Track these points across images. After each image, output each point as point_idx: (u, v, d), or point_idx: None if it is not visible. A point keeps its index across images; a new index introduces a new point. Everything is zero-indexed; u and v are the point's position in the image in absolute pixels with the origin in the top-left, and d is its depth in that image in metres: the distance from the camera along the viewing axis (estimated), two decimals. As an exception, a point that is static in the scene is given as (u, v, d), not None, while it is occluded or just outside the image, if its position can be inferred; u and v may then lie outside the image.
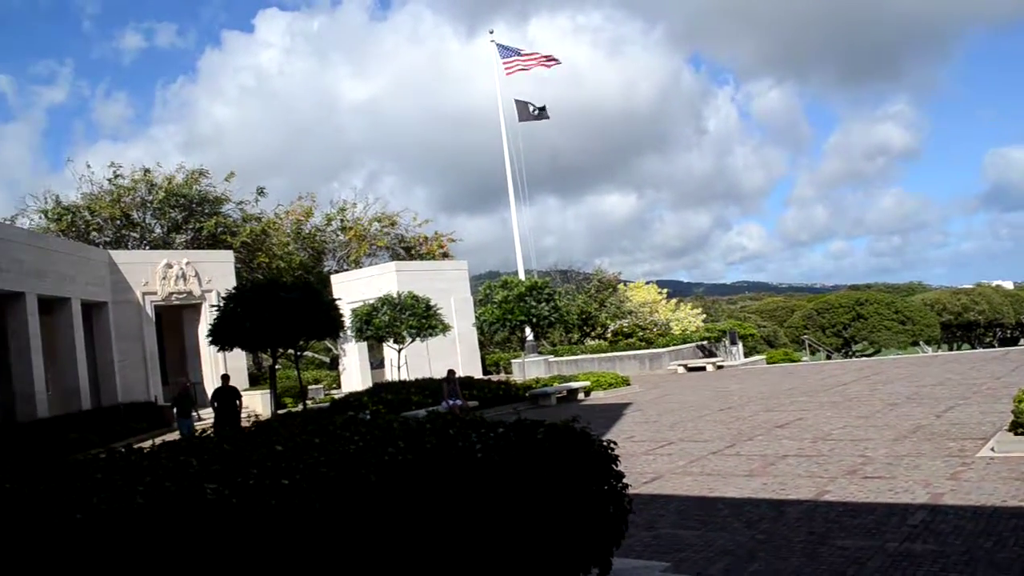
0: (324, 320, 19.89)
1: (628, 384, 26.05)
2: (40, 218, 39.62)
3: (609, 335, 41.92)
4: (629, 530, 5.17)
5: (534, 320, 28.35)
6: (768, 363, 33.77)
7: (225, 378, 20.74)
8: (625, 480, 4.64)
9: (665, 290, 45.79)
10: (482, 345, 40.05)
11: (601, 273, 48.41)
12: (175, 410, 20.90)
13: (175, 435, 20.39)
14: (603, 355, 34.39)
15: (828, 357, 47.01)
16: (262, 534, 2.55)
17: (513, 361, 35.62)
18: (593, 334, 43.07)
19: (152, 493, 2.60)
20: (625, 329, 41.21)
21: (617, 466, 4.52)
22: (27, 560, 2.31)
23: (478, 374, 34.27)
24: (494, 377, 32.80)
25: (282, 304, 19.59)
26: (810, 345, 50.15)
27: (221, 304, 21.16)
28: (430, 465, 3.25)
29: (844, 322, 52.36)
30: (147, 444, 3.89)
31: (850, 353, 50.65)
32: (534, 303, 27.96)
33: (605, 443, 4.52)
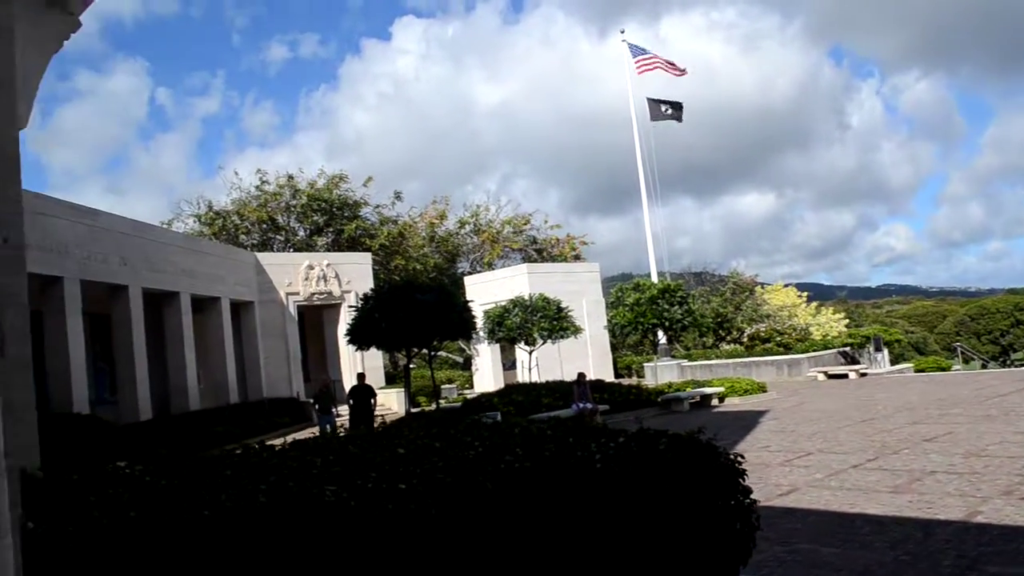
0: (457, 321, 20.19)
1: (764, 391, 25.24)
2: (194, 222, 42.07)
3: (745, 339, 40.75)
4: (761, 545, 4.95)
5: (666, 324, 27.90)
6: (916, 371, 31.97)
7: (361, 377, 21.38)
8: (754, 495, 4.44)
9: (805, 293, 44.12)
10: (614, 348, 39.74)
11: (737, 275, 47.10)
12: (316, 406, 21.72)
13: (315, 430, 21.20)
14: (738, 360, 33.45)
15: (983, 366, 44.10)
16: (378, 537, 2.56)
17: (645, 365, 35.18)
18: (728, 338, 41.97)
19: (275, 493, 2.67)
20: (762, 334, 39.99)
21: (745, 480, 4.32)
22: (160, 550, 2.41)
23: (609, 377, 34.02)
24: (625, 381, 32.47)
25: (417, 305, 20.00)
26: (963, 353, 47.21)
27: (359, 305, 21.81)
28: (547, 474, 3.19)
29: (1002, 328, 49.00)
30: (278, 441, 4.02)
31: (1008, 362, 47.35)
32: (667, 306, 27.51)
33: (733, 456, 4.33)
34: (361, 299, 22.11)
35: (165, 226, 39.43)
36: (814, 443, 14.66)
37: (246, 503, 2.58)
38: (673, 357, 35.16)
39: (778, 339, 38.08)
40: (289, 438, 5.18)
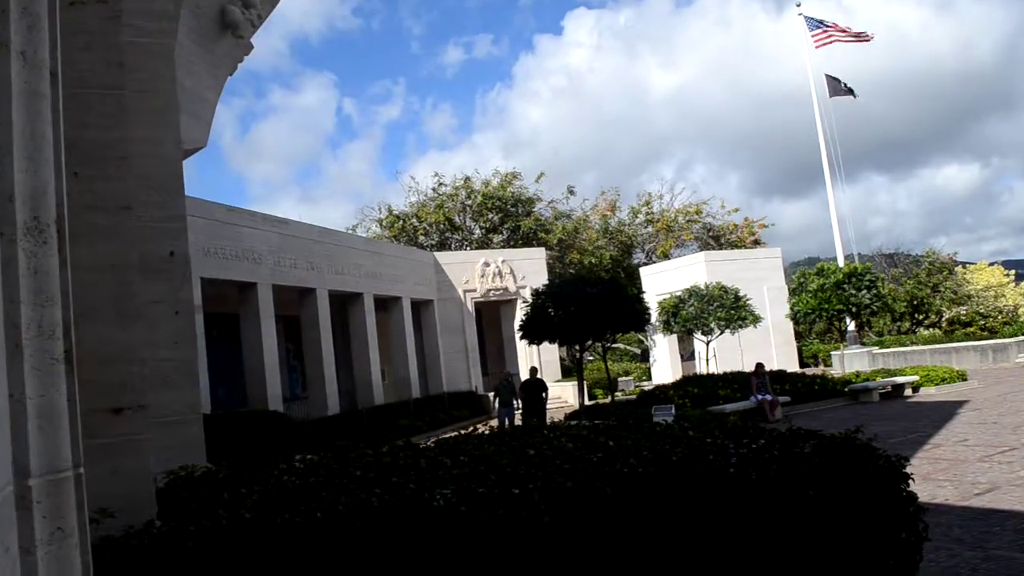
0: (629, 314, 19.92)
1: (964, 379, 23.31)
2: (376, 226, 43.92)
3: (944, 324, 37.87)
4: (953, 548, 4.49)
5: (853, 309, 26.36)
6: None
7: (533, 371, 21.52)
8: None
9: (1012, 271, 40.46)
10: (798, 336, 38.02)
11: (933, 255, 43.79)
12: (496, 399, 22.09)
13: (494, 423, 21.57)
14: (936, 346, 31.07)
15: None
16: (487, 544, 2.49)
17: (832, 353, 33.41)
18: (926, 323, 39.15)
19: (389, 496, 2.65)
20: (963, 317, 37.00)
21: (909, 486, 3.89)
22: (272, 549, 2.45)
23: (793, 367, 32.53)
24: (810, 370, 30.99)
25: (588, 299, 19.91)
26: None
27: (530, 300, 21.98)
28: (673, 480, 2.99)
29: None
30: (422, 441, 4.05)
31: None
32: (853, 291, 26.01)
33: (895, 458, 3.93)
34: (533, 294, 22.27)
35: (350, 231, 41.43)
36: (1019, 437, 13.35)
37: (360, 506, 2.58)
38: (863, 344, 33.18)
39: (981, 322, 35.12)
40: (463, 431, 5.25)
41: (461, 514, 2.55)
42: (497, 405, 21.47)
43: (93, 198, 2.74)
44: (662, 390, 21.65)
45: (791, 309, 28.99)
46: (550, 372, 33.95)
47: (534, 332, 21.12)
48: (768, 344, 33.88)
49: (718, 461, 3.21)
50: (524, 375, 30.58)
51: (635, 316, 20.13)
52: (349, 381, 28.54)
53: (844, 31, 35.92)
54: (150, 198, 5.03)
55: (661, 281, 36.67)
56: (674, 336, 34.68)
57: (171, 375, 5.00)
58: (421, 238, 44.03)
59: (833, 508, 3.38)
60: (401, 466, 3.20)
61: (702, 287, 27.42)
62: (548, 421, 20.99)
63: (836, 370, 29.72)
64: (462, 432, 5.08)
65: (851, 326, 31.91)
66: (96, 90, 2.78)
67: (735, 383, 21.22)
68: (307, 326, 25.48)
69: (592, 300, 19.79)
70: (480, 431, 4.30)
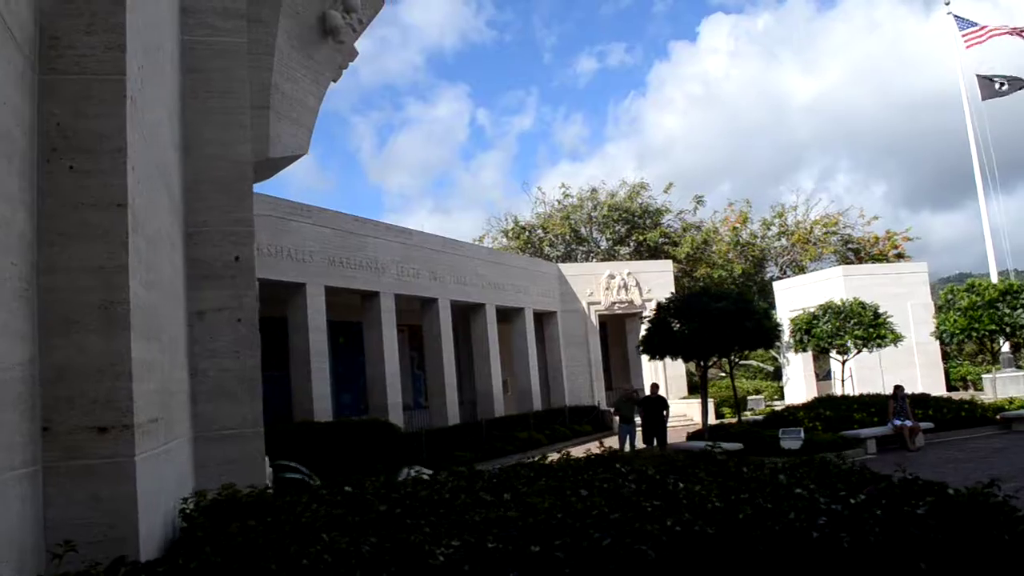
0: (756, 330, 18.89)
1: None
2: (503, 237, 43.96)
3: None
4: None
5: (1008, 329, 24.22)
6: None
7: (654, 387, 20.78)
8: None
9: None
10: (946, 358, 35.48)
11: (1105, 273, 40.08)
12: (617, 416, 21.42)
13: (614, 440, 20.94)
14: (1106, 373, 28.29)
15: None
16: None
17: (983, 377, 30.92)
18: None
19: (388, 543, 2.25)
20: None
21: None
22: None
23: (940, 390, 30.28)
24: (957, 395, 28.74)
25: (713, 314, 19.05)
26: None
27: (652, 314, 21.27)
28: (737, 543, 2.44)
29: None
30: (542, 456, 3.65)
31: None
32: (1008, 310, 23.88)
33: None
34: (654, 308, 21.55)
35: (477, 242, 41.64)
36: None
37: (342, 558, 2.20)
38: (1018, 367, 30.59)
39: None
40: (582, 449, 4.87)
41: (463, 574, 2.12)
42: (617, 421, 20.84)
43: (86, 194, 2.50)
44: (792, 411, 20.42)
45: (937, 328, 26.95)
46: (676, 389, 32.96)
47: (655, 347, 20.38)
48: (912, 365, 31.73)
49: (800, 521, 2.62)
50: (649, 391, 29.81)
51: (763, 332, 19.08)
52: (471, 391, 28.52)
53: (999, 28, 33.39)
54: (215, 201, 4.82)
55: (796, 296, 34.99)
56: (809, 354, 32.98)
57: (231, 386, 4.76)
58: (547, 249, 43.76)
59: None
60: (434, 502, 2.79)
61: (838, 303, 25.88)
62: (669, 440, 20.30)
63: (987, 395, 27.40)
64: (561, 453, 4.64)
65: (1005, 347, 29.48)
66: (95, 76, 2.55)
67: (872, 406, 19.77)
68: (428, 336, 25.58)
69: (717, 315, 18.91)
70: (589, 453, 3.82)
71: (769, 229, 44.57)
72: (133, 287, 2.60)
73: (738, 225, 44.17)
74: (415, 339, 27.83)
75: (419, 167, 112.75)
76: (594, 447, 5.26)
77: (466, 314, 28.32)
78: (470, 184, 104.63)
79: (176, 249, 3.97)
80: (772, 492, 2.72)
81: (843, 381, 26.23)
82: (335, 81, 9.32)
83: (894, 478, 3.15)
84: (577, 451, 21.52)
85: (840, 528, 2.57)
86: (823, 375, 35.26)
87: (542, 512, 2.44)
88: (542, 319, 32.10)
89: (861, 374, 29.76)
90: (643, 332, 21.93)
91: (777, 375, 40.41)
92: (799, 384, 34.93)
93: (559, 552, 2.17)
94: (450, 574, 2.12)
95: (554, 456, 5.79)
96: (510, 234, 43.59)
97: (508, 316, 29.96)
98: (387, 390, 22.49)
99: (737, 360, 27.59)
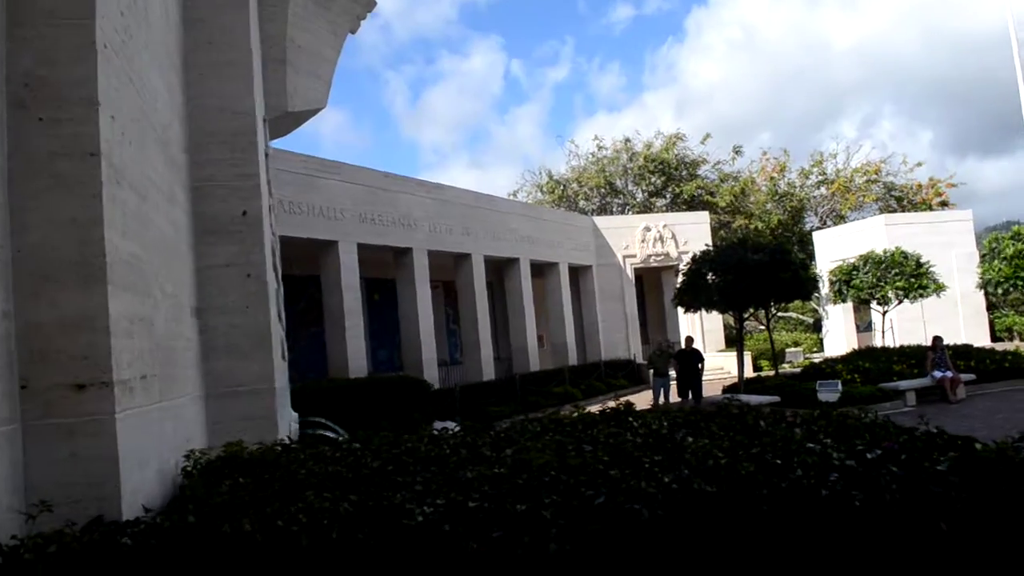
0: (793, 281, 18.54)
1: None
2: (537, 191, 43.62)
3: None
4: None
5: (1056, 278, 23.59)
6: None
7: (689, 340, 20.56)
8: None
9: None
10: (991, 307, 34.68)
11: None
12: (652, 369, 21.28)
13: (649, 394, 20.79)
14: None
15: None
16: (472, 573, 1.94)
17: (1031, 326, 30.28)
18: None
19: (370, 502, 2.15)
20: None
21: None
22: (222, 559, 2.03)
23: (983, 341, 29.66)
24: (1001, 345, 28.11)
25: (748, 265, 18.73)
26: None
27: (687, 267, 20.99)
28: (738, 502, 2.28)
29: None
30: (571, 409, 3.55)
31: None
32: (1057, 257, 23.25)
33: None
34: (689, 260, 21.24)
35: (511, 196, 41.37)
36: None
37: (318, 517, 2.11)
38: (1068, 317, 29.85)
39: None
40: (621, 401, 4.78)
41: (443, 535, 2.01)
42: (652, 375, 20.69)
43: (56, 144, 2.40)
44: (830, 364, 20.10)
45: (981, 277, 26.31)
46: (713, 342, 32.68)
47: (690, 299, 20.14)
48: (955, 316, 31.09)
49: (808, 479, 2.45)
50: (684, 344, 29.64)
51: (800, 284, 18.71)
52: (506, 347, 28.53)
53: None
54: (220, 155, 4.72)
55: (836, 246, 34.32)
56: (849, 305, 32.44)
57: (241, 342, 4.69)
58: (582, 203, 43.35)
59: (975, 552, 2.53)
60: (430, 458, 2.69)
61: (879, 252, 25.33)
62: (704, 393, 20.13)
63: (1034, 345, 26.83)
64: (575, 409, 4.53)
65: (1054, 297, 28.75)
66: (64, 21, 2.43)
67: (912, 358, 19.38)
68: (462, 291, 25.54)
69: (753, 266, 18.58)
70: (604, 407, 3.71)
71: (808, 178, 43.63)
72: (111, 239, 2.50)
73: (775, 175, 43.30)
74: (450, 295, 27.81)
75: (453, 121, 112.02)
76: (630, 400, 5.15)
77: (500, 269, 28.21)
78: (505, 138, 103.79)
79: (177, 204, 3.86)
80: (783, 447, 2.57)
81: (883, 333, 25.79)
82: (353, 32, 9.13)
83: (918, 431, 2.97)
84: (611, 405, 21.46)
85: (853, 485, 2.40)
86: (864, 327, 34.70)
87: (536, 469, 2.33)
88: (577, 273, 31.89)
89: (903, 325, 29.24)
90: (678, 284, 21.68)
91: (817, 327, 39.90)
92: (839, 336, 34.44)
93: (546, 511, 2.06)
94: (428, 534, 2.02)
95: (591, 409, 5.68)
96: (544, 188, 43.23)
97: (543, 271, 29.80)
98: (421, 346, 22.54)
99: (775, 312, 27.14)
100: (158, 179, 3.43)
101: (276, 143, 9.91)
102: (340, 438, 8.69)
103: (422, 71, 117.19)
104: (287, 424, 6.19)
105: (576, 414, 3.74)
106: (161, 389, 3.16)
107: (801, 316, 43.33)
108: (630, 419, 3.45)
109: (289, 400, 9.26)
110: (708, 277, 19.85)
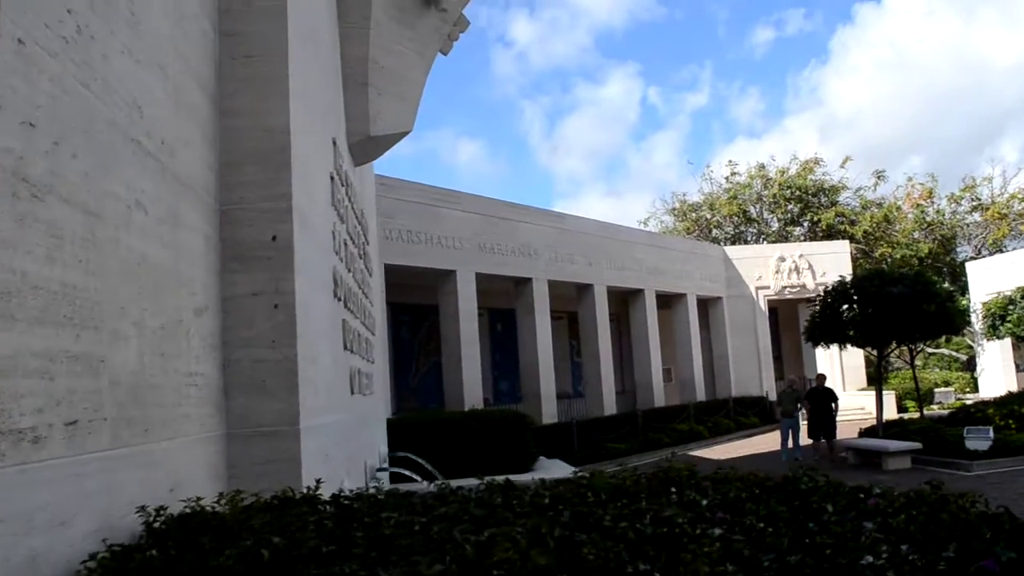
0: (937, 315, 17.05)
1: None
2: (668, 218, 42.58)
3: None
4: None
5: None
6: None
7: (821, 378, 19.28)
8: None
9: None
10: None
11: None
12: (778, 409, 20.07)
13: (778, 434, 19.51)
14: None
15: None
16: None
17: None
18: None
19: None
20: None
21: None
22: None
23: None
24: None
25: (888, 298, 17.38)
26: None
27: (820, 299, 19.71)
28: None
29: None
30: (702, 449, 3.00)
31: None
32: None
33: None
34: (822, 292, 19.94)
35: (642, 225, 40.53)
36: None
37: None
38: None
39: None
40: (746, 444, 4.17)
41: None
42: (780, 415, 19.47)
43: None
44: (981, 408, 18.30)
45: None
46: (853, 380, 30.75)
47: (822, 334, 18.91)
48: None
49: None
50: (830, 383, 27.87)
51: (946, 317, 17.20)
52: (630, 381, 27.72)
53: None
54: (252, 176, 4.40)
55: (992, 278, 31.63)
56: (1008, 342, 29.81)
57: (266, 380, 4.31)
58: (715, 231, 41.97)
59: None
60: (383, 537, 2.19)
61: (1040, 285, 23.13)
62: (838, 435, 18.71)
63: None
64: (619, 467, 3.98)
65: None
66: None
67: (1078, 403, 17.41)
68: (584, 323, 25.01)
69: (893, 298, 17.23)
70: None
71: (958, 204, 40.56)
72: (19, 266, 2.15)
73: (922, 202, 40.50)
74: (574, 327, 27.30)
75: (589, 150, 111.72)
76: (758, 441, 4.45)
77: (625, 300, 27.51)
78: (641, 166, 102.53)
79: (184, 227, 3.52)
80: (833, 552, 1.87)
81: (1047, 373, 23.47)
82: (445, 53, 8.85)
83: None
84: (741, 445, 20.16)
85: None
86: (1025, 366, 31.89)
87: (489, 566, 1.78)
88: (706, 305, 30.77)
89: (1071, 365, 26.60)
90: (807, 318, 20.40)
91: (971, 366, 36.95)
92: (996, 376, 31.64)
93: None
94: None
95: (718, 449, 5.00)
96: (676, 214, 42.10)
97: (669, 302, 28.89)
98: (540, 378, 22.11)
99: (920, 348, 25.20)
100: (142, 198, 3.05)
101: (396, 173, 9.72)
102: (421, 480, 8.27)
103: (558, 100, 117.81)
104: (338, 467, 5.79)
105: (625, 473, 3.15)
106: (120, 434, 2.76)
107: (955, 353, 40.27)
108: (672, 489, 2.83)
109: (374, 437, 8.93)
110: (843, 310, 18.58)
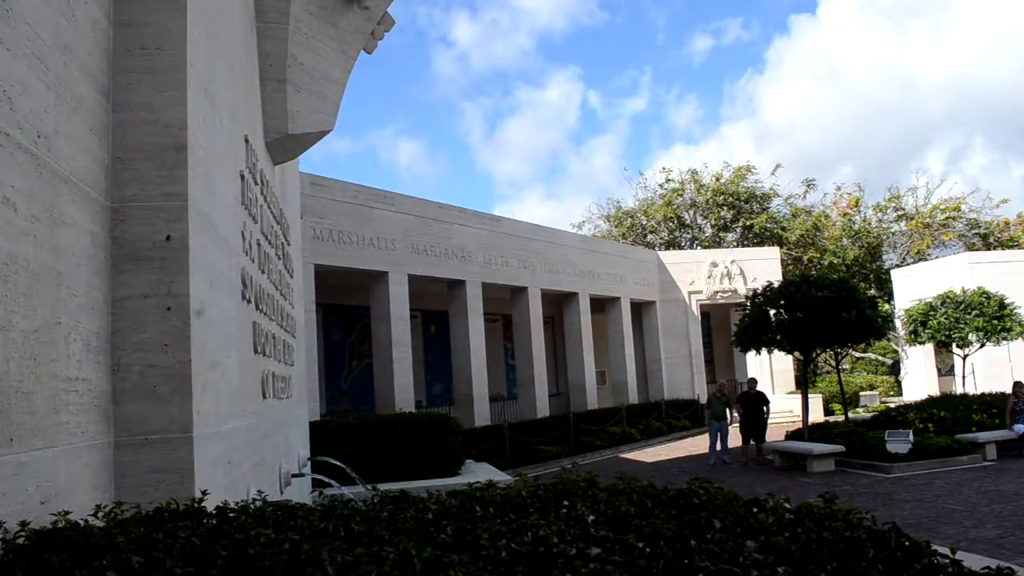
0: (857, 321, 17.40)
1: None
2: (603, 223, 42.87)
3: None
4: None
5: None
6: None
7: (752, 382, 19.58)
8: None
9: None
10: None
11: None
12: (708, 411, 20.31)
13: (702, 437, 19.74)
14: None
15: None
16: None
17: None
18: None
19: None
20: None
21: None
22: None
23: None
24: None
25: (812, 303, 17.69)
26: None
27: (747, 305, 19.98)
28: None
29: None
30: (634, 452, 2.89)
31: None
32: None
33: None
34: (747, 297, 20.22)
35: (575, 228, 40.71)
36: None
37: None
38: None
39: None
40: (677, 447, 4.10)
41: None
42: (708, 418, 19.70)
43: None
44: (902, 411, 18.75)
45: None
46: (782, 383, 31.34)
47: (750, 339, 19.12)
48: (1049, 361, 29.11)
49: None
50: (761, 386, 28.31)
51: (867, 323, 17.54)
52: (564, 383, 27.79)
53: None
54: (145, 172, 4.21)
55: (916, 285, 32.59)
56: (930, 348, 30.70)
57: (159, 385, 4.13)
58: (650, 236, 42.40)
59: None
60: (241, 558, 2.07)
61: (958, 293, 23.82)
62: (768, 438, 19.01)
63: None
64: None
65: None
66: None
67: (994, 406, 17.92)
68: (518, 325, 24.95)
69: (817, 304, 17.54)
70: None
71: (884, 213, 41.72)
72: None
73: (849, 210, 41.53)
74: (508, 329, 27.25)
75: (529, 153, 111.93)
76: (688, 444, 4.38)
77: (559, 303, 27.58)
78: (582, 169, 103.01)
79: (66, 226, 3.35)
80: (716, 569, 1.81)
81: (964, 378, 24.19)
82: (368, 52, 8.70)
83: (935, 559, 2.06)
84: (672, 447, 20.27)
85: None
86: (946, 371, 32.84)
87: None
88: (640, 309, 31.03)
89: (987, 370, 27.44)
90: (737, 323, 20.68)
91: (895, 369, 38.00)
92: (918, 380, 32.62)
93: None
94: None
95: (650, 451, 4.93)
96: (611, 220, 42.42)
97: (603, 305, 29.05)
98: (473, 381, 21.98)
99: (846, 352, 25.76)
100: (11, 194, 2.89)
101: (334, 172, 9.48)
102: (337, 486, 8.10)
103: (499, 102, 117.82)
104: (245, 474, 5.62)
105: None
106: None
107: (881, 358, 41.36)
108: (564, 503, 2.77)
109: (291, 441, 8.72)
110: (771, 314, 18.86)
